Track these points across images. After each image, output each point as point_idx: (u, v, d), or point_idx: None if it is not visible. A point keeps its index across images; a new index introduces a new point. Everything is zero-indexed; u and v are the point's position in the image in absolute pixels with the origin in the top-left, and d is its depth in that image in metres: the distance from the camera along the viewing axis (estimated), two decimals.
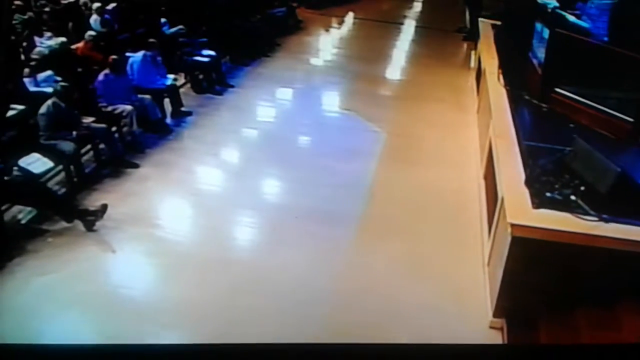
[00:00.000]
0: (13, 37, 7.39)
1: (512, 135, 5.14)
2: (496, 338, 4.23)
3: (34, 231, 5.04)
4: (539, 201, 4.10)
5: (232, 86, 8.07)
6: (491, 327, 4.29)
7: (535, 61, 6.23)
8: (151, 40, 6.84)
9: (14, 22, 7.90)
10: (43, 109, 5.43)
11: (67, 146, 5.48)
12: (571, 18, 6.05)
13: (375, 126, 7.25)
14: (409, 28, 12.48)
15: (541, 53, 6.09)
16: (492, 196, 5.41)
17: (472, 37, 10.71)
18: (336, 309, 4.34)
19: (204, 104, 7.53)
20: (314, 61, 9.75)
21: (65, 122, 5.51)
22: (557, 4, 6.34)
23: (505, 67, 6.60)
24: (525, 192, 4.25)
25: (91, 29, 7.87)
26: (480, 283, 4.75)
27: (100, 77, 6.14)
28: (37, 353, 2.57)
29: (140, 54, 6.72)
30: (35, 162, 5.30)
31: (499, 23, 8.50)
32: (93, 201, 5.42)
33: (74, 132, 5.57)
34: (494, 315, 4.29)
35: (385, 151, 6.71)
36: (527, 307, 4.12)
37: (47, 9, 8.04)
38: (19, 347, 2.97)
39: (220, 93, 7.81)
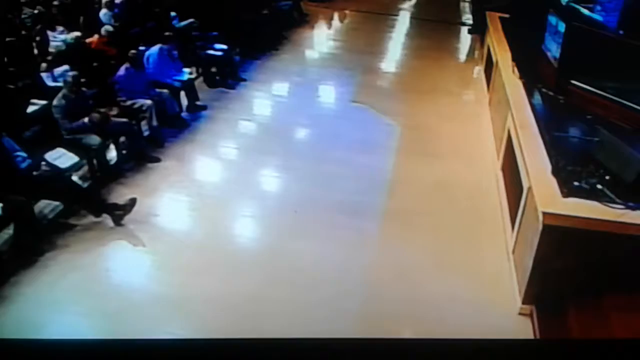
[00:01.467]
0: (24, 32, 7.43)
1: (534, 126, 5.30)
2: (526, 324, 4.38)
3: (62, 226, 5.11)
4: (567, 190, 4.26)
5: (245, 80, 8.15)
6: (520, 314, 4.44)
7: (549, 54, 6.39)
8: (167, 33, 6.89)
9: (23, 16, 7.93)
10: (55, 102, 5.48)
11: (93, 140, 5.54)
12: (585, 11, 6.21)
13: (389, 119, 7.38)
14: (412, 21, 12.59)
15: (555, 46, 6.25)
16: (512, 187, 5.58)
17: (477, 30, 10.88)
18: (369, 300, 4.47)
19: (217, 97, 7.61)
20: (322, 55, 9.85)
21: (79, 111, 5.54)
22: None
23: (519, 60, 6.74)
24: (553, 182, 4.41)
25: (101, 23, 7.90)
26: (505, 271, 4.91)
27: (121, 71, 6.19)
28: (65, 348, 2.61)
29: (156, 48, 6.77)
30: (61, 157, 5.35)
31: (506, 16, 8.65)
32: (118, 195, 5.49)
33: (86, 119, 5.54)
34: (523, 302, 4.44)
35: (402, 144, 6.84)
36: (557, 294, 4.29)
37: (55, 3, 8.03)
38: (42, 343, 3.00)
39: (233, 87, 7.89)
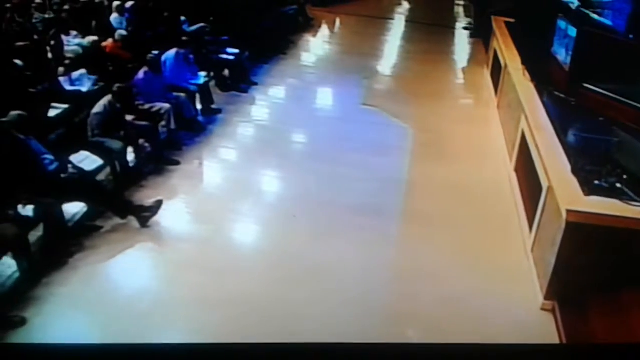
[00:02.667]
0: (36, 37, 7.50)
1: (549, 128, 5.48)
2: (548, 319, 4.54)
3: (89, 228, 5.19)
4: (588, 189, 4.44)
5: (256, 83, 8.29)
6: (543, 309, 4.61)
7: (559, 57, 6.60)
8: (184, 38, 7.01)
9: (34, 20, 8.00)
10: (98, 109, 5.56)
11: (115, 144, 5.64)
12: (594, 16, 6.42)
13: (401, 122, 7.55)
14: (413, 25, 12.81)
15: (565, 50, 6.46)
16: (528, 187, 5.76)
17: (479, 33, 11.11)
18: (394, 300, 4.60)
19: (230, 101, 7.73)
20: (328, 58, 10.03)
21: (116, 123, 5.66)
22: (579, 3, 6.70)
23: (529, 63, 6.94)
24: (574, 181, 4.58)
25: (112, 27, 8.00)
26: (524, 268, 5.07)
27: (140, 75, 6.30)
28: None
29: (173, 52, 6.88)
30: (85, 160, 5.46)
31: (511, 20, 8.87)
32: (141, 198, 5.58)
33: (122, 132, 5.71)
34: (545, 298, 4.60)
35: (414, 146, 7.01)
36: (579, 290, 4.46)
37: (66, 7, 8.12)
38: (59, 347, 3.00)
39: (245, 91, 8.02)
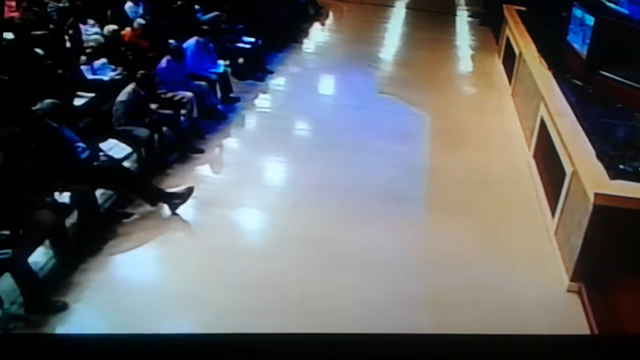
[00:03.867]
0: (52, 26, 7.55)
1: (570, 114, 5.64)
2: (574, 301, 4.71)
3: (120, 215, 5.30)
4: (614, 173, 4.61)
5: (272, 72, 8.39)
6: (569, 291, 4.78)
7: (575, 46, 6.75)
8: (204, 27, 7.10)
9: (49, 10, 8.04)
10: (123, 97, 5.66)
11: (142, 132, 5.74)
12: (610, 4, 6.57)
13: (418, 110, 7.69)
14: (422, 13, 12.92)
15: (581, 38, 6.62)
16: (548, 173, 5.93)
17: (488, 21, 11.24)
18: (428, 283, 4.71)
19: (247, 90, 7.83)
20: (340, 46, 10.14)
21: (141, 110, 5.75)
22: None
23: (545, 51, 7.09)
24: (599, 166, 4.75)
25: (127, 16, 8.06)
26: (546, 251, 5.24)
27: (163, 63, 6.39)
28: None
29: (193, 41, 6.97)
30: (114, 148, 5.56)
31: (522, 8, 9.01)
32: (167, 186, 5.68)
33: (147, 119, 5.81)
34: (572, 280, 4.77)
35: (433, 133, 7.15)
36: (605, 271, 4.63)
37: None
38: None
39: (261, 79, 8.12)
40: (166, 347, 2.05)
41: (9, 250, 4.11)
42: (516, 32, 8.17)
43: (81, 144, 5.17)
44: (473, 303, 4.59)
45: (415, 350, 2.07)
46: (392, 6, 13.25)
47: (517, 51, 7.99)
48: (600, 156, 4.82)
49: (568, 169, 5.11)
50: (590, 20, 6.40)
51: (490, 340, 2.33)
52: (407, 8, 12.89)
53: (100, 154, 5.28)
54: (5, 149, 4.52)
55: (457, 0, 14.25)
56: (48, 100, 5.04)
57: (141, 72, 5.80)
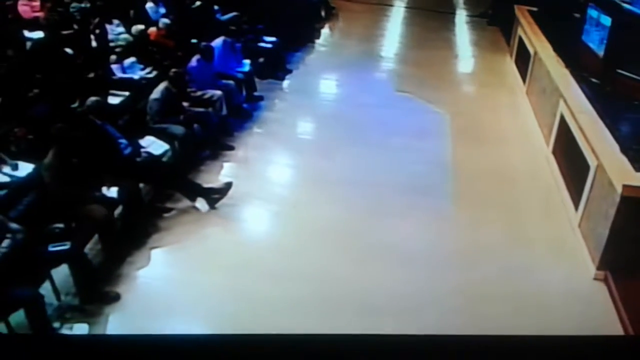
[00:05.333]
0: (76, 26, 7.75)
1: (591, 111, 5.92)
2: (601, 288, 4.99)
3: (160, 209, 5.52)
4: (639, 166, 4.91)
5: (291, 71, 8.63)
6: (595, 279, 5.06)
7: (591, 45, 7.04)
8: (232, 27, 7.32)
9: (71, 10, 8.23)
10: (156, 94, 5.87)
11: (177, 129, 5.96)
12: (626, 5, 6.86)
13: (436, 107, 7.96)
14: (432, 14, 13.20)
15: (597, 37, 6.91)
16: (568, 168, 6.22)
17: (496, 21, 11.55)
18: (463, 272, 4.99)
19: (269, 88, 8.07)
20: (354, 46, 10.38)
21: (174, 108, 5.97)
22: None
23: (560, 51, 7.38)
24: (623, 159, 5.04)
25: (149, 16, 8.27)
26: (571, 242, 5.52)
27: (193, 62, 6.61)
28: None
29: (220, 40, 7.19)
30: (152, 145, 5.77)
31: (534, 9, 9.31)
32: (202, 182, 5.90)
33: (181, 117, 6.03)
34: (598, 268, 5.05)
35: (453, 130, 7.42)
36: (631, 259, 4.92)
37: None
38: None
39: (282, 78, 8.36)
40: (185, 347, 2.00)
41: (68, 242, 4.34)
42: (530, 32, 8.46)
43: (124, 141, 5.39)
44: (505, 292, 4.84)
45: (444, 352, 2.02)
46: (401, 6, 13.54)
47: (531, 50, 8.28)
48: (624, 150, 5.11)
49: (592, 163, 5.39)
50: (606, 20, 6.68)
51: (518, 340, 2.27)
52: (416, 8, 13.16)
53: (142, 150, 5.51)
54: (56, 145, 4.74)
55: (464, 0, 14.58)
56: (92, 98, 5.26)
57: (174, 70, 6.01)
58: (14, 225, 4.17)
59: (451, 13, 13.25)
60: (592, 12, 7.06)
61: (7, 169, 4.99)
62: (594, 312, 4.79)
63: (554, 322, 4.58)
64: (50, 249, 4.26)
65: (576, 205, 5.71)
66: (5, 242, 4.02)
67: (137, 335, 3.82)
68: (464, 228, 5.61)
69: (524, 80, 8.58)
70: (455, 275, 4.99)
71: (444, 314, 4.57)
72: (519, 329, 4.39)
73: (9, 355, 1.80)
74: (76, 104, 5.73)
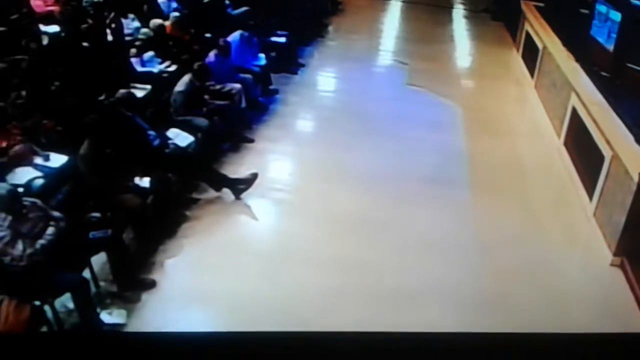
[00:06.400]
0: (90, 21, 7.87)
1: (604, 103, 6.18)
2: (617, 273, 5.25)
3: (188, 200, 5.70)
4: None
5: (303, 65, 8.84)
6: (612, 265, 5.32)
7: (600, 40, 7.30)
8: (250, 22, 7.51)
9: (84, 4, 8.35)
10: (181, 87, 6.04)
11: (202, 122, 6.14)
12: (635, 1, 7.13)
13: (447, 100, 8.21)
14: (436, 9, 13.43)
15: (606, 32, 7.17)
16: (581, 159, 6.48)
17: (500, 16, 11.82)
18: (488, 258, 5.25)
19: (283, 82, 8.26)
20: (362, 40, 10.64)
21: (197, 100, 6.15)
22: None
23: (570, 45, 7.64)
24: (638, 149, 5.30)
25: (161, 10, 8.42)
26: (586, 230, 5.78)
27: (211, 57, 6.79)
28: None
29: (237, 35, 7.37)
30: (178, 137, 5.94)
31: (541, 4, 9.58)
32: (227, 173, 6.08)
33: (204, 109, 6.21)
34: (614, 254, 5.32)
35: (465, 123, 7.68)
36: None
37: None
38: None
39: (295, 72, 8.56)
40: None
41: (109, 230, 4.51)
42: (538, 27, 8.73)
43: (152, 132, 5.57)
44: (529, 278, 5.09)
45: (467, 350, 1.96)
46: (405, 1, 13.76)
47: (540, 45, 8.54)
48: (639, 140, 5.37)
49: (607, 154, 5.65)
50: (615, 15, 6.94)
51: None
52: (420, 3, 13.40)
53: (169, 142, 5.68)
54: (91, 136, 4.91)
55: None
56: (122, 90, 5.43)
57: (198, 64, 6.19)
58: (56, 214, 4.35)
59: (455, 8, 13.54)
60: (601, 8, 7.32)
61: (39, 160, 5.15)
62: (612, 295, 5.05)
63: (575, 304, 4.89)
64: (92, 236, 4.44)
65: (590, 195, 5.96)
66: (50, 230, 4.19)
67: (160, 332, 3.93)
68: (483, 217, 5.85)
69: (531, 74, 8.84)
70: (480, 261, 5.24)
71: (472, 299, 4.79)
72: (542, 313, 4.67)
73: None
74: (102, 97, 5.90)
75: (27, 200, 4.23)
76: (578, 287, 5.13)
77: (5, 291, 3.83)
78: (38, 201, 4.30)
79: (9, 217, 4.02)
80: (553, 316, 4.69)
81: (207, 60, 6.83)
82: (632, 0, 7.05)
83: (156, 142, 5.52)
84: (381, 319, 4.42)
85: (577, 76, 6.93)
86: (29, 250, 3.99)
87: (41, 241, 4.08)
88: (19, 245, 3.98)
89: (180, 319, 4.47)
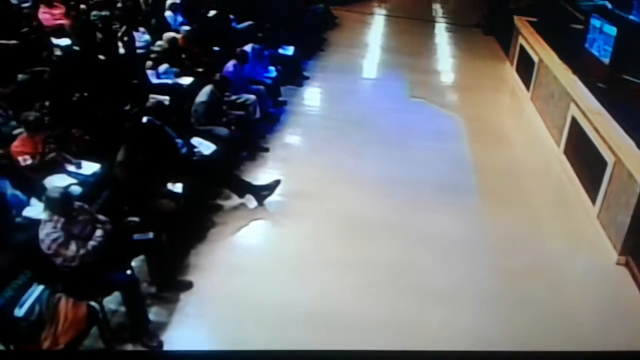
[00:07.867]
0: (100, 35, 8.17)
1: (605, 113, 6.71)
2: (623, 271, 5.71)
3: (213, 207, 6.02)
4: None
5: (307, 77, 9.25)
6: (618, 264, 5.79)
7: (595, 52, 7.88)
8: (260, 34, 7.89)
9: (92, 18, 8.65)
10: (203, 97, 6.38)
11: (222, 131, 6.47)
12: (630, 16, 7.72)
13: (449, 112, 8.70)
14: (428, 23, 14.08)
15: (601, 45, 7.75)
16: (582, 166, 6.98)
17: (491, 31, 12.46)
18: (502, 258, 5.67)
19: (290, 94, 8.66)
20: (362, 54, 11.15)
21: (218, 110, 6.49)
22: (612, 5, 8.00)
23: (566, 59, 8.20)
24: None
25: (168, 24, 8.77)
26: (590, 233, 6.25)
27: (230, 67, 7.14)
28: None
29: (248, 47, 7.75)
30: (201, 145, 6.26)
31: (533, 19, 10.20)
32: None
33: (224, 119, 6.56)
34: (620, 254, 5.79)
35: (468, 133, 8.15)
36: None
37: (123, 4, 8.81)
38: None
39: (300, 84, 8.97)
40: None
41: (150, 233, 4.80)
42: (533, 41, 9.31)
43: (180, 140, 5.88)
44: (538, 277, 5.51)
45: None
46: (399, 17, 14.37)
47: (535, 58, 9.11)
48: None
49: (609, 160, 6.16)
50: (609, 29, 7.52)
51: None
52: (415, 19, 14.01)
53: (195, 150, 6.00)
54: (126, 143, 5.21)
55: (455, 10, 15.55)
56: (152, 100, 5.74)
57: (219, 75, 6.55)
58: (101, 217, 4.63)
59: (448, 24, 14.19)
60: (595, 22, 7.91)
61: (72, 168, 5.43)
62: (619, 291, 5.51)
63: (583, 299, 5.35)
64: (135, 238, 4.72)
65: (593, 200, 6.45)
66: (98, 232, 4.47)
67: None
68: (491, 222, 6.27)
69: (527, 86, 9.40)
70: (494, 263, 5.62)
71: (488, 300, 5.17)
72: (552, 309, 5.09)
73: None
74: (127, 107, 6.20)
75: (76, 203, 4.50)
76: (586, 284, 5.59)
77: (61, 290, 4.10)
78: (85, 205, 4.57)
79: (62, 219, 4.28)
80: (562, 311, 5.14)
81: (225, 70, 7.18)
82: (623, 14, 7.68)
83: (183, 150, 5.83)
84: (403, 317, 4.82)
85: (576, 87, 7.47)
86: (81, 251, 4.25)
87: (92, 242, 4.35)
88: (72, 246, 4.24)
89: (218, 316, 4.77)
